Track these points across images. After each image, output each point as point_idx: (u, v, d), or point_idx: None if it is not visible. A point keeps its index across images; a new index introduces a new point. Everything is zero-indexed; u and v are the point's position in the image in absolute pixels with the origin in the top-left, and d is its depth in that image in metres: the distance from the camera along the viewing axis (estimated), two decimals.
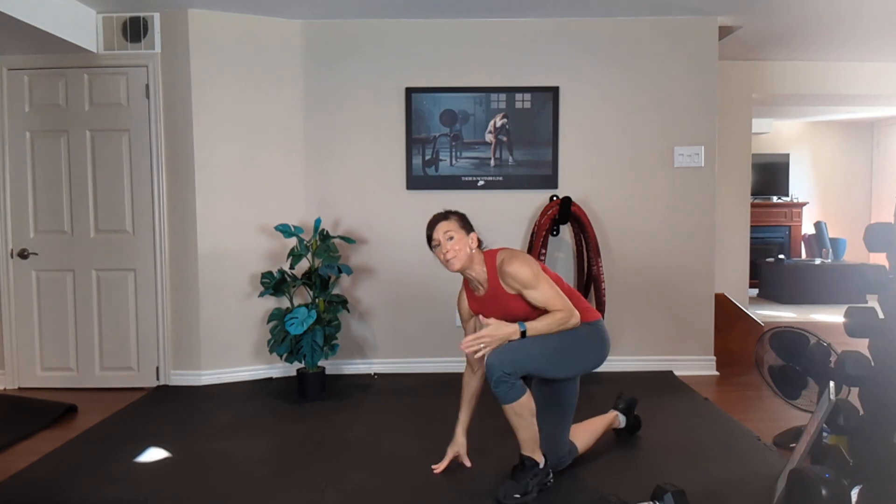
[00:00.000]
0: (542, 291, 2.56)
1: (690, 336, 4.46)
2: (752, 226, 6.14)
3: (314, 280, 4.01)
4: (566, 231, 4.42)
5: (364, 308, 4.46)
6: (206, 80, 4.12)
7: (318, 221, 4.09)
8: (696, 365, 4.44)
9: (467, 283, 2.73)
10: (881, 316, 2.47)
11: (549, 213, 4.16)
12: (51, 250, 4.19)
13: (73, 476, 2.81)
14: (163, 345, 4.21)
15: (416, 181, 4.36)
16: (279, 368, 4.36)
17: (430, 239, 2.64)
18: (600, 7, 4.14)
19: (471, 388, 2.82)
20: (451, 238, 2.58)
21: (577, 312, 2.58)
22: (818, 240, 8.31)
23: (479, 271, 2.64)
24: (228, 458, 3.01)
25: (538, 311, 2.59)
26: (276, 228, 4.02)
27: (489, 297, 2.65)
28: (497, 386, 2.47)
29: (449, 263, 2.59)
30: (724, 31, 4.53)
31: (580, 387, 2.82)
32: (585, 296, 4.34)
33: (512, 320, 2.55)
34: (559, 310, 2.54)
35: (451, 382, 3.76)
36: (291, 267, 4.07)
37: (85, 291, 4.20)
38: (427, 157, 4.37)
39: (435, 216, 2.67)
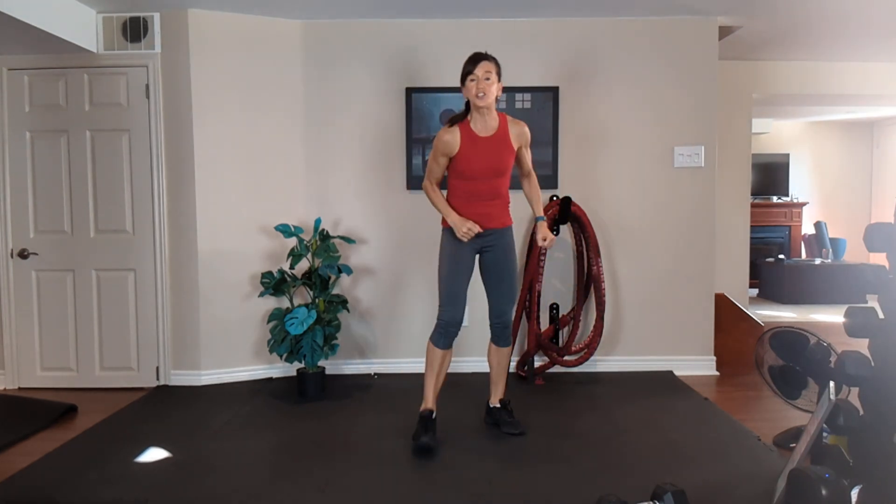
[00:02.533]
0: (530, 154, 3.23)
1: (690, 336, 4.46)
2: (752, 226, 6.15)
3: (314, 280, 4.01)
4: (566, 231, 4.42)
5: (364, 308, 4.46)
6: (206, 79, 4.12)
7: (318, 221, 4.09)
8: (696, 365, 4.44)
9: (469, 123, 3.05)
10: (881, 316, 2.47)
11: (549, 213, 4.16)
12: (51, 250, 4.19)
13: (73, 476, 2.81)
14: (163, 345, 4.21)
15: (416, 181, 4.35)
16: (279, 368, 4.36)
17: (468, 73, 2.98)
18: (600, 7, 4.14)
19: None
20: (489, 79, 2.97)
21: None
22: (818, 240, 8.31)
23: (493, 117, 3.07)
24: (228, 458, 3.01)
25: (509, 170, 3.13)
26: (276, 228, 4.02)
27: (493, 140, 3.05)
28: (509, 335, 3.26)
29: (481, 98, 2.96)
30: (724, 31, 4.53)
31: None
32: (585, 296, 4.35)
33: (497, 171, 3.07)
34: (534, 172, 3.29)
35: (450, 382, 3.76)
36: (291, 267, 4.07)
37: (85, 291, 4.20)
38: (427, 157, 4.36)
39: (479, 53, 3.01)
